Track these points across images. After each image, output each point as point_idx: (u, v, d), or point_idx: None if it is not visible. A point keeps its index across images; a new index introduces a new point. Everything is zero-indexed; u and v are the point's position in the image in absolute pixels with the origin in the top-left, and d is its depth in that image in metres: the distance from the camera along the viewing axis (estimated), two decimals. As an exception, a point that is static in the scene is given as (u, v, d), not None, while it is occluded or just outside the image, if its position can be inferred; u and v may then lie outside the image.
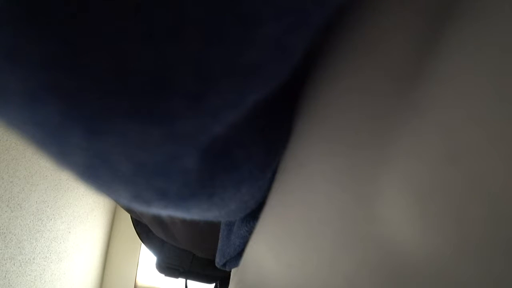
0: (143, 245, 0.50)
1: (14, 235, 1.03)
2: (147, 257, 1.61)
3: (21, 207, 1.05)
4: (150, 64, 0.08)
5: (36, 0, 0.06)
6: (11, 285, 1.02)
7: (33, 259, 1.11)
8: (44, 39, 0.07)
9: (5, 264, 0.99)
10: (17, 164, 1.03)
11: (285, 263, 0.13)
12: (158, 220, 0.34)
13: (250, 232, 0.18)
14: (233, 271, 0.28)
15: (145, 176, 0.10)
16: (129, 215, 0.42)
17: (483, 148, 0.07)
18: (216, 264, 0.26)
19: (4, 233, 0.99)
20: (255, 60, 0.08)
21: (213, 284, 0.48)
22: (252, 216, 0.18)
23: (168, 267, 0.44)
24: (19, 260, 1.05)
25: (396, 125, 0.09)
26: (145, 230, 0.44)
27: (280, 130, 0.14)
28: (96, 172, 0.10)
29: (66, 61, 0.07)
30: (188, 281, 0.47)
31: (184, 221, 0.32)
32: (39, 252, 1.14)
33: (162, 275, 0.46)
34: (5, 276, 0.99)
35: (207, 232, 0.33)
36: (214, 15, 0.07)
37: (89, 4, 0.07)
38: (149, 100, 0.08)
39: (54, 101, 0.08)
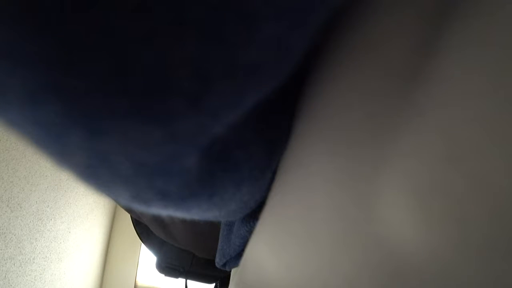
0: (143, 245, 0.50)
1: (14, 235, 1.03)
2: (147, 257, 1.61)
3: (21, 207, 1.05)
4: (150, 64, 0.08)
5: (37, 1, 0.06)
6: (11, 285, 1.02)
7: (33, 259, 1.11)
8: (44, 39, 0.07)
9: (5, 264, 0.99)
10: (17, 164, 1.03)
11: (285, 263, 0.13)
12: (158, 220, 0.34)
13: (250, 232, 0.18)
14: (233, 271, 0.28)
15: (145, 176, 0.10)
16: (129, 215, 0.42)
17: (483, 148, 0.07)
18: (216, 264, 0.26)
19: (4, 233, 0.99)
20: (255, 60, 0.08)
21: (213, 284, 0.48)
22: (252, 216, 0.18)
23: (168, 267, 0.44)
24: (19, 260, 1.05)
25: (396, 125, 0.09)
26: (145, 230, 0.44)
27: (280, 130, 0.14)
28: (96, 172, 0.10)
29: (66, 61, 0.07)
30: (188, 281, 0.47)
31: (184, 221, 0.32)
32: (39, 252, 1.14)
33: (162, 275, 0.46)
34: (5, 276, 0.99)
35: (207, 232, 0.33)
36: (214, 15, 0.07)
37: (89, 4, 0.07)
38: (149, 100, 0.08)
39: (54, 101, 0.08)
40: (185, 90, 0.08)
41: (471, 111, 0.07)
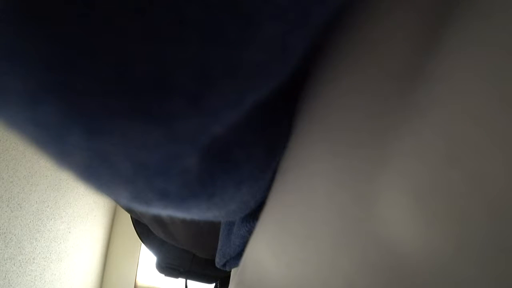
0: (143, 245, 0.50)
1: (14, 235, 1.03)
2: (147, 257, 1.61)
3: (21, 207, 1.05)
4: (150, 64, 0.08)
5: (37, 1, 0.06)
6: (11, 285, 1.02)
7: (33, 259, 1.11)
8: (45, 39, 0.07)
9: (5, 264, 0.99)
10: (17, 164, 1.03)
11: (285, 263, 0.13)
12: (158, 220, 0.34)
13: (250, 232, 0.18)
14: (233, 271, 0.28)
15: (145, 176, 0.10)
16: (129, 215, 0.42)
17: (483, 148, 0.07)
18: (216, 264, 0.26)
19: (4, 233, 0.99)
20: (255, 60, 0.08)
21: (213, 284, 0.48)
22: (252, 216, 0.18)
23: (168, 267, 0.44)
24: (19, 260, 1.05)
25: (396, 125, 0.09)
26: (145, 230, 0.44)
27: (280, 130, 0.14)
28: (96, 172, 0.10)
29: (66, 62, 0.07)
30: (188, 281, 0.47)
31: (184, 221, 0.32)
32: (39, 252, 1.14)
33: (162, 275, 0.46)
34: (5, 276, 0.99)
35: (207, 232, 0.33)
36: (213, 15, 0.07)
37: (89, 5, 0.07)
38: (149, 100, 0.08)
39: (54, 101, 0.08)
40: (185, 90, 0.08)
41: (471, 111, 0.07)
